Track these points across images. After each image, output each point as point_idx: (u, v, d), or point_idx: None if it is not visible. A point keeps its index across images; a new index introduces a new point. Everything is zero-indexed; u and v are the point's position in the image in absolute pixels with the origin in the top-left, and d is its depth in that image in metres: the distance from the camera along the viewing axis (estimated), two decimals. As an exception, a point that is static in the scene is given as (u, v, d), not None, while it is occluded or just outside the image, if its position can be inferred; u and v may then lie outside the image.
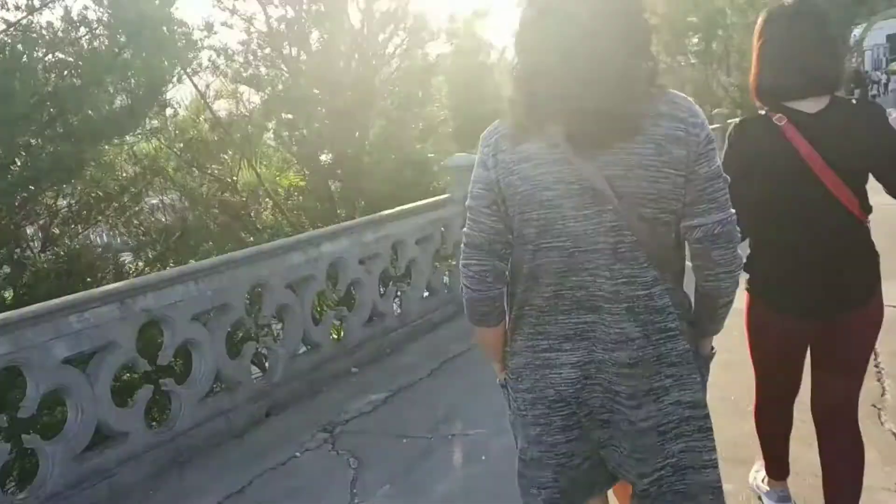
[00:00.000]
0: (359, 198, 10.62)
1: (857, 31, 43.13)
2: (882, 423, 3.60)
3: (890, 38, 49.02)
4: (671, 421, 1.76)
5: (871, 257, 2.49)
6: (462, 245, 1.86)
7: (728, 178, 1.75)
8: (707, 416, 1.80)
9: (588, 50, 1.61)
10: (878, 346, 2.75)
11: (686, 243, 1.76)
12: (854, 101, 2.44)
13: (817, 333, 2.54)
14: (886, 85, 38.80)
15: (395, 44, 10.48)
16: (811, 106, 2.34)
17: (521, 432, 1.91)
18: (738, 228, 1.75)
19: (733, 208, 1.74)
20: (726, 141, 2.45)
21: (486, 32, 28.47)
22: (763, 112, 2.42)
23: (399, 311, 6.14)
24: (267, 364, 5.20)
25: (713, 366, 1.96)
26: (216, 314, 4.55)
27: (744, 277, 2.44)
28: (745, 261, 2.46)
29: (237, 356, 4.79)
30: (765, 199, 2.40)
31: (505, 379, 1.94)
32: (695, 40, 45.06)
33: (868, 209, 2.42)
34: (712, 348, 1.94)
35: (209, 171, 10.60)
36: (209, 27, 9.05)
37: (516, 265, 1.81)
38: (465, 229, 1.84)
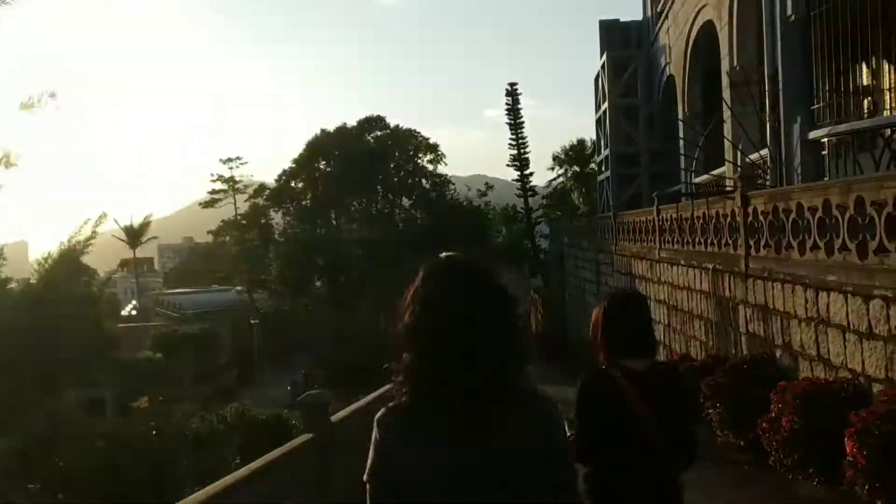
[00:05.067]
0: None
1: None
2: None
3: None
4: None
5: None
6: None
7: None
8: None
9: None
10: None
11: None
12: (667, 364, 3.86)
13: None
14: None
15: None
16: (640, 365, 3.40)
17: None
18: None
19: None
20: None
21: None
22: (603, 367, 3.45)
23: None
24: None
25: None
26: None
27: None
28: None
29: None
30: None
31: None
32: (318, 284, 47.67)
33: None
34: None
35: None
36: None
37: None
38: None
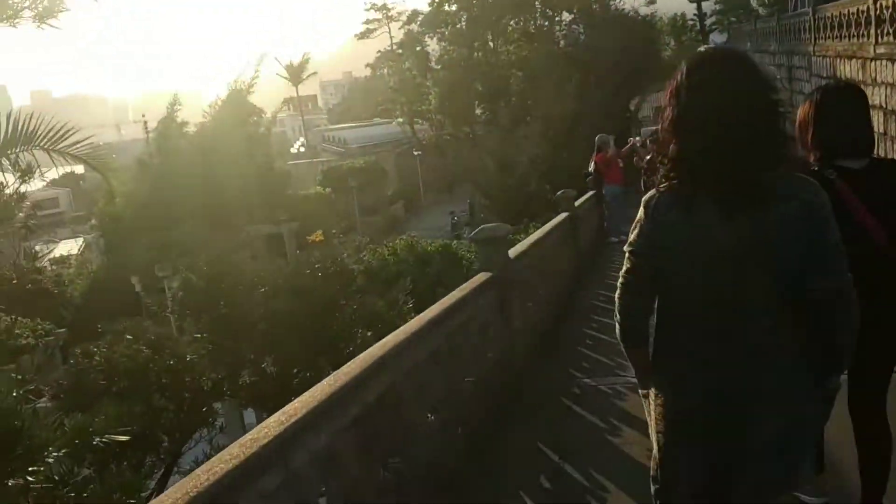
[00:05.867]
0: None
1: (632, 104, 46.53)
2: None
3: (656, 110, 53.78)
4: None
5: None
6: None
7: None
8: None
9: None
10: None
11: None
12: (891, 160, 3.28)
13: None
14: None
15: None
16: (857, 164, 2.99)
17: None
18: None
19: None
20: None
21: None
22: (816, 168, 2.98)
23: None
24: None
25: None
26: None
27: None
28: None
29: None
30: None
31: None
32: (478, 111, 46.61)
33: None
34: None
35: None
36: None
37: None
38: None
